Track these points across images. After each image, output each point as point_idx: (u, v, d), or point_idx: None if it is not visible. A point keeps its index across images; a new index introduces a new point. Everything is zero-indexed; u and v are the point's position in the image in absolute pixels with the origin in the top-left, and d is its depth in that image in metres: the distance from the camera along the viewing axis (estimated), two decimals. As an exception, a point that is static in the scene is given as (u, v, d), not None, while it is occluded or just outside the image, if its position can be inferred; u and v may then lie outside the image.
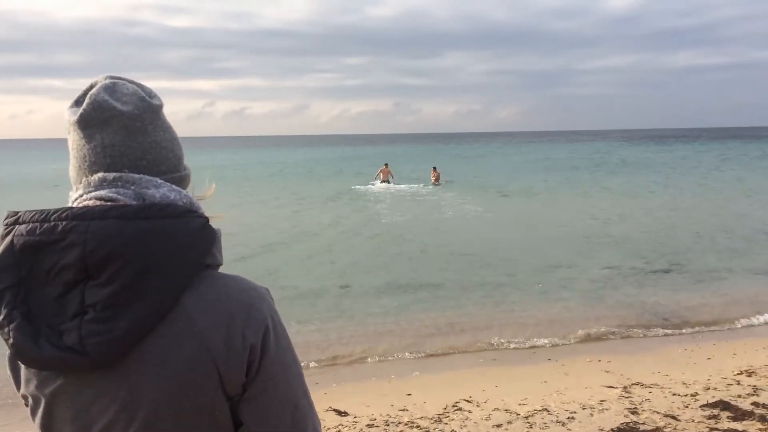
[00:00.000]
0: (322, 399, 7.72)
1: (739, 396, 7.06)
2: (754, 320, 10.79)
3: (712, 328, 10.43)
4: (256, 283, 1.42)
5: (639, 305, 11.74)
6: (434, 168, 38.87)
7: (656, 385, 7.59)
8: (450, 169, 47.14)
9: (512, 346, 9.78)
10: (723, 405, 6.78)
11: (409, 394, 7.69)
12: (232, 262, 15.97)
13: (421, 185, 36.66)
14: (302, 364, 7.65)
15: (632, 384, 7.69)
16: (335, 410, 7.20)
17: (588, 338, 10.05)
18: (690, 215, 22.92)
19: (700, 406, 6.81)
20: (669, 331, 10.35)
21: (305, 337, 10.30)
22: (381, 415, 7.01)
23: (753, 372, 7.91)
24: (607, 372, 8.30)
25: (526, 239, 18.72)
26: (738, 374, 7.87)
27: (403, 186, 37.18)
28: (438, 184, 36.38)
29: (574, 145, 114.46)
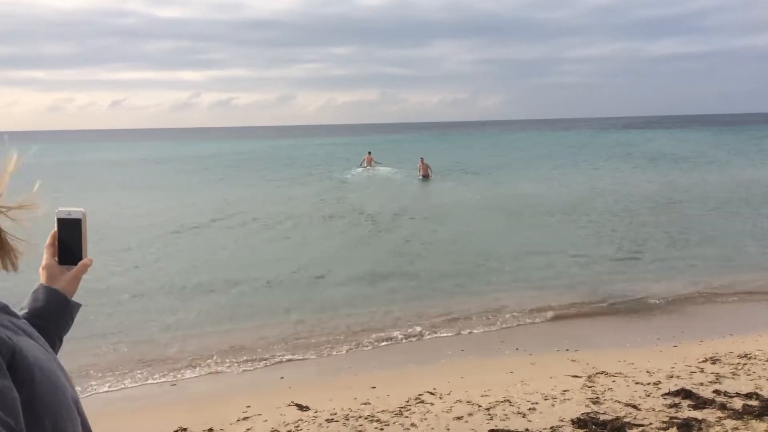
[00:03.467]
0: (286, 393, 7.62)
1: (702, 384, 7.05)
2: (722, 308, 10.83)
3: (680, 315, 10.45)
4: None
5: (609, 293, 11.75)
6: (421, 159, 34.69)
7: (620, 373, 7.57)
8: (433, 159, 47.04)
9: (480, 336, 9.74)
10: (685, 393, 6.77)
11: (374, 387, 7.61)
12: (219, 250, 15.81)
13: (400, 172, 36.57)
14: (270, 356, 7.53)
15: (597, 373, 7.66)
16: (297, 405, 7.10)
17: (557, 327, 10.03)
18: (668, 203, 23.04)
19: (662, 395, 6.80)
20: (637, 319, 10.38)
21: (273, 329, 10.20)
22: (342, 409, 6.92)
23: (717, 359, 7.91)
24: (574, 361, 8.27)
25: (504, 227, 18.69)
26: (702, 362, 7.87)
27: (385, 170, 38.92)
28: (428, 178, 32.63)
29: (557, 134, 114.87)
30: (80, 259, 1.70)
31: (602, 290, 11.98)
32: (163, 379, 8.40)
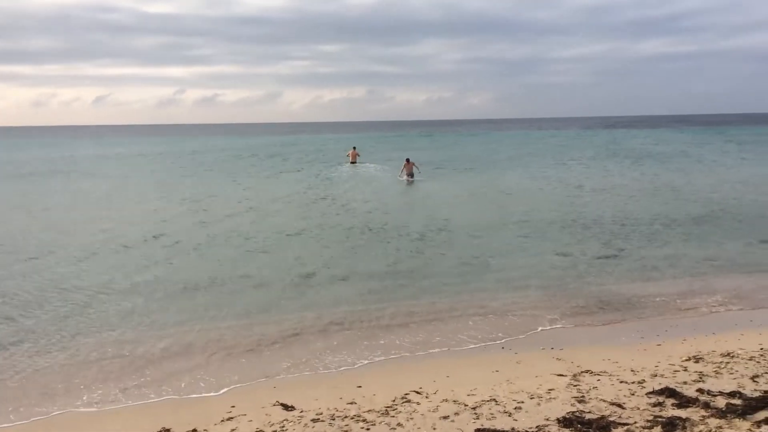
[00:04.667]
0: (271, 393, 7.58)
1: (685, 383, 7.11)
2: (706, 307, 10.92)
3: (665, 314, 10.51)
4: None
5: (594, 292, 11.81)
6: (407, 159, 32.82)
7: (605, 372, 7.61)
8: (420, 156, 47.13)
9: (466, 335, 9.74)
10: (669, 392, 6.82)
11: (360, 386, 7.59)
12: (191, 250, 15.68)
13: (386, 169, 36.60)
14: (255, 356, 7.43)
15: (582, 372, 7.70)
16: (282, 404, 7.07)
17: (542, 325, 10.06)
18: (651, 201, 23.21)
19: (647, 394, 6.84)
20: (622, 318, 10.43)
21: (261, 329, 10.14)
22: (328, 408, 6.90)
23: (701, 358, 7.98)
24: (559, 360, 8.30)
25: (490, 225, 18.70)
26: (686, 360, 7.94)
27: (371, 168, 39.34)
28: (410, 181, 31.07)
29: (544, 132, 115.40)
30: None
31: (587, 289, 12.05)
32: (147, 379, 8.31)
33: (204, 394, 7.80)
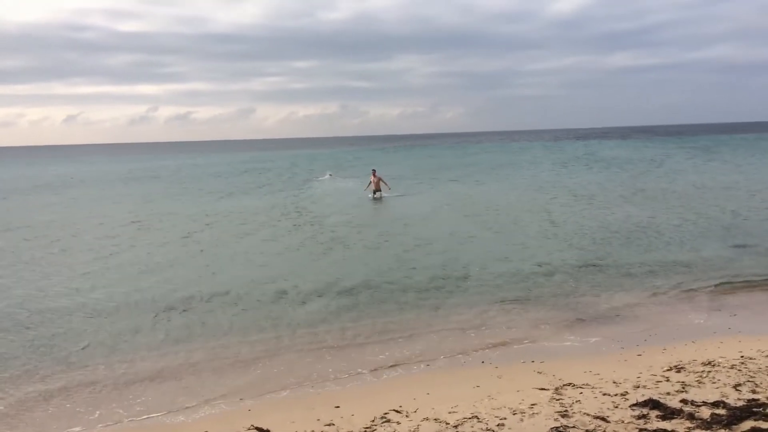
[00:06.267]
0: (246, 416, 7.31)
1: (668, 393, 7.01)
2: (683, 315, 10.90)
3: (643, 324, 10.45)
4: None
5: (572, 301, 11.75)
6: (373, 171, 31.41)
7: (587, 385, 7.48)
8: (394, 169, 47.20)
9: (446, 350, 9.55)
10: (652, 404, 6.70)
11: (338, 406, 7.35)
12: (166, 266, 15.28)
13: (362, 183, 36.45)
14: (228, 378, 7.14)
15: (564, 385, 7.56)
16: (257, 429, 6.79)
17: (522, 337, 9.92)
18: (631, 209, 23.36)
19: (630, 406, 6.72)
20: (602, 328, 10.35)
21: (235, 349, 9.85)
22: (305, 431, 6.65)
23: (682, 367, 7.90)
24: (540, 373, 8.15)
25: (467, 236, 18.62)
26: (667, 370, 7.85)
27: (346, 182, 39.36)
28: (378, 196, 29.58)
29: (518, 144, 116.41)
30: None
31: (566, 299, 11.96)
32: (116, 404, 7.96)
33: (177, 419, 7.48)
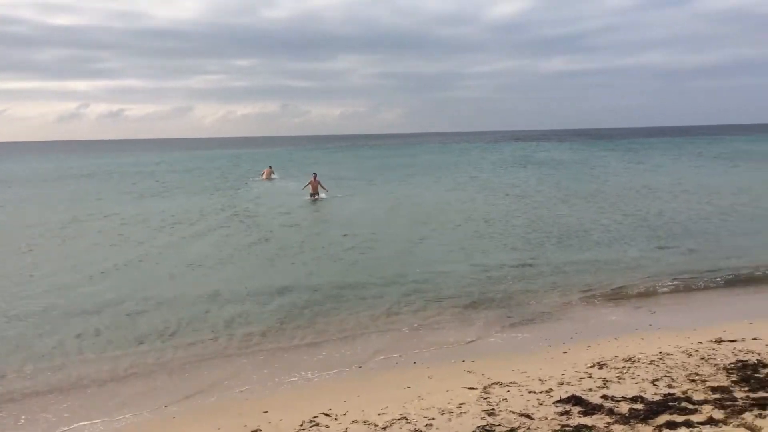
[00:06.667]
0: (170, 424, 7.11)
1: (591, 389, 7.21)
2: (605, 310, 11.28)
3: (570, 323, 10.74)
4: None
5: (504, 301, 11.97)
6: (314, 175, 31.01)
7: (514, 383, 7.62)
8: (333, 170, 47.11)
9: (378, 351, 9.55)
10: (575, 400, 6.88)
11: (266, 411, 7.23)
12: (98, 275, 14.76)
13: (300, 184, 36.15)
14: (151, 382, 6.92)
15: (492, 383, 7.67)
16: (181, 436, 6.62)
17: (453, 337, 10.03)
18: (563, 209, 24.01)
19: (554, 403, 6.88)
20: (530, 326, 10.59)
21: (158, 354, 9.57)
22: (231, 438, 6.51)
23: (604, 364, 8.15)
24: (470, 372, 8.25)
25: (404, 237, 18.72)
26: (591, 367, 8.08)
27: (284, 183, 38.95)
28: (316, 198, 29.31)
29: (457, 146, 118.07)
30: None
31: (498, 299, 12.18)
32: (33, 416, 7.60)
33: (96, 429, 7.20)
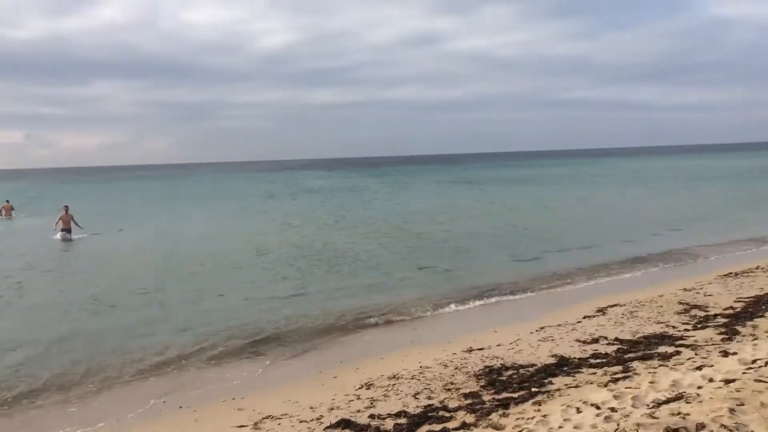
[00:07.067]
0: None
1: (359, 411, 7.40)
2: (370, 331, 11.81)
3: (338, 347, 10.96)
4: None
5: (273, 331, 11.80)
6: (66, 208, 27.27)
7: (285, 414, 7.52)
8: (86, 206, 43.11)
9: (139, 398, 8.78)
10: (344, 423, 7.00)
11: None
12: None
13: (47, 222, 32.20)
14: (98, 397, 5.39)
15: (263, 418, 7.49)
16: None
17: (222, 376, 9.64)
18: (335, 235, 24.68)
19: (324, 429, 6.92)
20: (301, 354, 10.62)
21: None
22: None
23: (371, 384, 8.43)
24: (240, 409, 7.96)
25: (169, 273, 17.68)
26: (359, 388, 8.31)
27: (26, 221, 34.81)
28: (66, 238, 25.98)
29: (227, 176, 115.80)
30: None
31: (269, 330, 11.97)
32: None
33: None
